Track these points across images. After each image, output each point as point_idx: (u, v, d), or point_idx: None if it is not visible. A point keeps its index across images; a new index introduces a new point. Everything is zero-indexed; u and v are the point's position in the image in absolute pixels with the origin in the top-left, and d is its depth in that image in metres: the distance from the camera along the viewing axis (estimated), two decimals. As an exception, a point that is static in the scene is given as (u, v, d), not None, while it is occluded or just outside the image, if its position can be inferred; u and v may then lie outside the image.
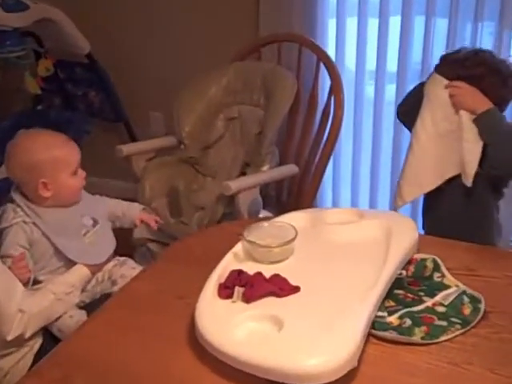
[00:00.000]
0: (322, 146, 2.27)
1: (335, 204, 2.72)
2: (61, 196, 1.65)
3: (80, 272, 1.64)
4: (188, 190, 2.23)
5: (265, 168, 2.13)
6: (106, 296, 1.70)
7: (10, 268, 1.51)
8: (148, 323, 1.28)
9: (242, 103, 2.33)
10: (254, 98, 2.30)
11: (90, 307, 1.65)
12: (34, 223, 1.62)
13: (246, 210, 2.04)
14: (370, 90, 2.52)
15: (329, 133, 2.23)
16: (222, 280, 1.33)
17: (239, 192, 2.00)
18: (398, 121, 1.92)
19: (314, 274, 1.36)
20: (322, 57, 2.29)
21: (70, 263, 1.65)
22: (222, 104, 2.36)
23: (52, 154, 1.62)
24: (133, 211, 1.88)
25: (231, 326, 1.17)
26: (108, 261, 1.74)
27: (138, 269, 1.73)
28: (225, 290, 1.31)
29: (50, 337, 1.57)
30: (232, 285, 1.31)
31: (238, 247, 1.44)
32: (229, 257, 1.41)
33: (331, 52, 2.43)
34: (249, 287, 1.30)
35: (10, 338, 1.45)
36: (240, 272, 1.35)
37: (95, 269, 1.70)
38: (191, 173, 2.33)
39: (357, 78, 2.50)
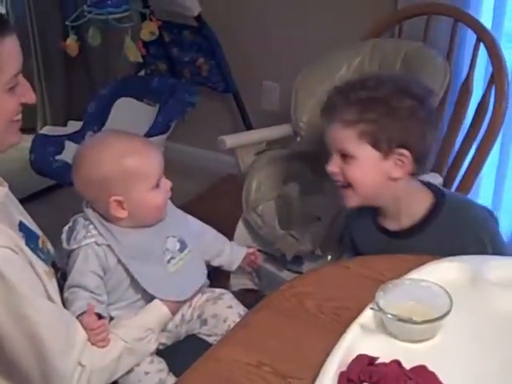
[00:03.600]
0: (473, 150, 1.82)
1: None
2: (139, 216, 1.32)
3: (158, 311, 1.30)
4: (302, 193, 1.85)
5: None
6: (191, 339, 1.38)
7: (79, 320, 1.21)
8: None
9: (377, 90, 1.91)
10: (392, 84, 1.87)
11: (170, 353, 1.33)
12: (108, 246, 1.29)
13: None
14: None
15: (484, 134, 1.78)
16: (345, 367, 0.98)
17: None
18: None
19: (475, 368, 0.99)
20: (484, 36, 1.84)
21: (149, 296, 1.32)
22: (350, 89, 1.94)
23: (125, 164, 1.28)
24: (239, 251, 1.52)
25: None
26: (198, 293, 1.40)
27: (236, 309, 1.38)
28: None
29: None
30: (358, 379, 0.96)
31: (367, 316, 1.07)
32: (354, 330, 1.05)
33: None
34: (383, 387, 0.93)
35: (66, 400, 1.14)
36: (371, 360, 0.98)
37: (178, 306, 1.36)
38: (308, 171, 1.95)
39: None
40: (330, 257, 1.70)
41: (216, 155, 2.82)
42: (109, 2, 2.43)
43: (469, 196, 1.79)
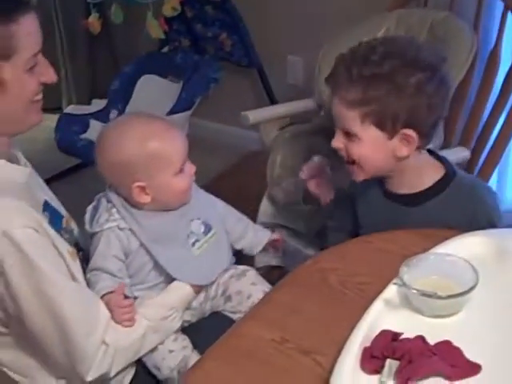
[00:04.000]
0: (501, 122, 1.77)
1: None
2: (163, 200, 1.30)
3: (182, 291, 1.30)
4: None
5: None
6: (215, 316, 1.38)
7: (106, 303, 1.21)
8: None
9: (401, 62, 1.86)
10: (418, 55, 1.82)
11: (195, 330, 1.33)
12: (130, 230, 1.28)
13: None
14: None
15: (512, 106, 1.74)
16: (368, 343, 0.98)
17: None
18: None
19: (501, 344, 0.97)
20: (512, 4, 1.77)
21: (173, 279, 1.31)
22: (375, 61, 1.90)
23: (148, 149, 1.25)
24: (262, 235, 1.49)
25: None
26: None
27: (260, 285, 1.38)
28: (371, 361, 0.96)
29: (143, 370, 1.26)
30: (382, 355, 0.95)
31: (392, 291, 1.06)
32: (378, 306, 1.04)
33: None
34: (406, 362, 0.94)
35: (89, 378, 1.15)
36: (394, 336, 0.97)
37: (202, 287, 1.36)
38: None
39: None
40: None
41: (241, 131, 2.78)
42: (130, -21, 2.42)
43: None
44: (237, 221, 1.46)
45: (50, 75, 1.19)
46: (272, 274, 1.80)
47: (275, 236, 1.50)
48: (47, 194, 1.32)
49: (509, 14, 1.79)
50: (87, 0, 2.57)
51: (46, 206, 1.26)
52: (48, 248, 1.15)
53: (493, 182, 2.21)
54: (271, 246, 1.50)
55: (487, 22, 1.95)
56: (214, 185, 2.80)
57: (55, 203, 1.34)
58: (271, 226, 1.87)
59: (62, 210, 1.35)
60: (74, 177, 2.89)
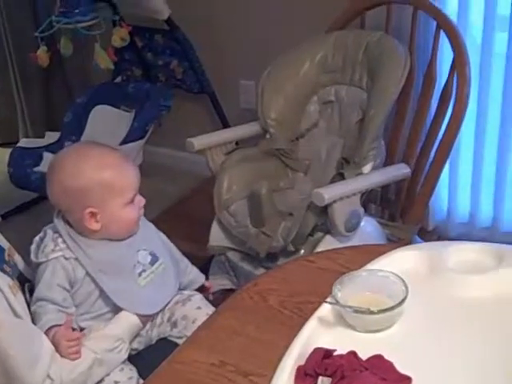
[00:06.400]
0: (439, 137, 1.81)
1: (451, 212, 2.28)
2: (112, 229, 1.32)
3: (129, 322, 1.31)
4: (274, 190, 1.84)
5: (367, 167, 1.70)
6: (162, 342, 1.38)
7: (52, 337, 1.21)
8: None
9: (341, 83, 1.90)
10: (356, 76, 1.86)
11: (142, 358, 1.34)
12: (76, 259, 1.30)
13: (343, 224, 1.64)
14: (499, 64, 2.02)
15: (449, 120, 1.78)
16: (302, 361, 0.99)
17: (334, 202, 1.60)
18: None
19: (432, 355, 0.99)
20: (444, 23, 1.81)
21: (119, 308, 1.32)
22: (316, 84, 1.94)
23: (102, 177, 1.29)
24: (199, 277, 1.55)
25: None
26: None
27: (205, 309, 1.39)
28: (305, 379, 0.98)
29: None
30: (315, 372, 0.97)
31: (326, 309, 1.08)
32: (312, 324, 1.06)
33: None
34: (338, 378, 0.96)
35: (33, 416, 1.15)
36: (326, 353, 0.98)
37: (149, 317, 1.36)
38: (278, 168, 1.94)
39: (483, 50, 2.01)
40: (302, 251, 1.70)
41: (197, 157, 2.79)
42: (76, 11, 2.42)
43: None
44: (181, 258, 1.50)
45: None
46: (226, 298, 1.81)
47: (207, 283, 1.55)
48: None
49: (441, 31, 1.83)
50: (35, 34, 2.58)
51: None
52: None
53: (443, 197, 2.27)
54: (202, 290, 1.53)
55: (423, 41, 2.00)
56: (172, 210, 2.83)
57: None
58: (222, 250, 1.90)
59: (4, 243, 1.35)
60: (33, 210, 2.87)
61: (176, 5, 2.64)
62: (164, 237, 1.48)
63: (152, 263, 1.36)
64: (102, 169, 1.30)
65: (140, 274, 1.34)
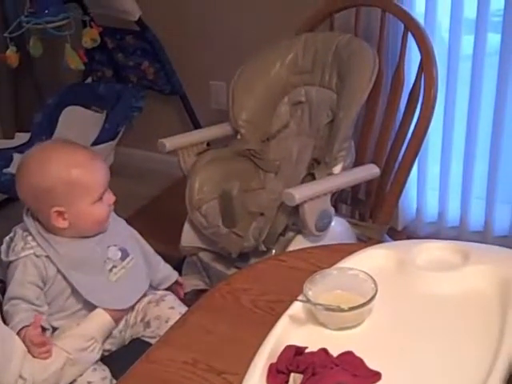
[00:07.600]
0: (408, 137, 1.85)
1: (420, 211, 2.32)
2: (80, 227, 1.33)
3: (101, 320, 1.31)
4: (245, 190, 1.86)
5: (337, 168, 1.73)
6: (136, 343, 1.39)
7: (24, 336, 1.21)
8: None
9: (311, 84, 1.92)
10: (326, 77, 1.89)
11: (115, 359, 1.34)
12: (47, 256, 1.30)
13: (314, 223, 1.66)
14: (466, 66, 2.07)
15: (417, 121, 1.81)
16: (274, 359, 1.00)
17: (305, 202, 1.62)
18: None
19: (401, 351, 1.00)
20: (411, 25, 1.85)
21: (91, 305, 1.33)
22: (286, 85, 1.96)
23: (70, 176, 1.29)
24: (172, 274, 1.56)
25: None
26: (142, 296, 1.41)
27: (178, 309, 1.40)
28: (277, 376, 0.99)
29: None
30: (286, 369, 0.99)
31: (297, 307, 1.09)
32: (283, 322, 1.07)
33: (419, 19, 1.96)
34: (309, 375, 0.97)
35: (5, 415, 1.15)
36: (298, 350, 1.00)
37: (121, 314, 1.37)
38: (249, 168, 1.96)
39: (450, 52, 2.05)
40: (274, 251, 1.72)
41: (168, 157, 2.80)
42: (46, 12, 2.41)
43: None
44: (153, 255, 1.51)
45: None
46: (198, 298, 1.82)
47: (180, 279, 1.56)
48: None
49: (409, 34, 1.86)
50: (4, 34, 2.56)
51: None
52: None
53: (412, 196, 2.31)
54: (174, 288, 1.54)
55: (391, 43, 2.02)
56: (143, 211, 2.83)
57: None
58: (194, 250, 1.91)
59: None
60: (0, 212, 2.84)
61: (147, 6, 2.64)
62: (136, 233, 1.49)
63: (123, 259, 1.37)
64: (67, 168, 1.30)
65: (111, 270, 1.35)
